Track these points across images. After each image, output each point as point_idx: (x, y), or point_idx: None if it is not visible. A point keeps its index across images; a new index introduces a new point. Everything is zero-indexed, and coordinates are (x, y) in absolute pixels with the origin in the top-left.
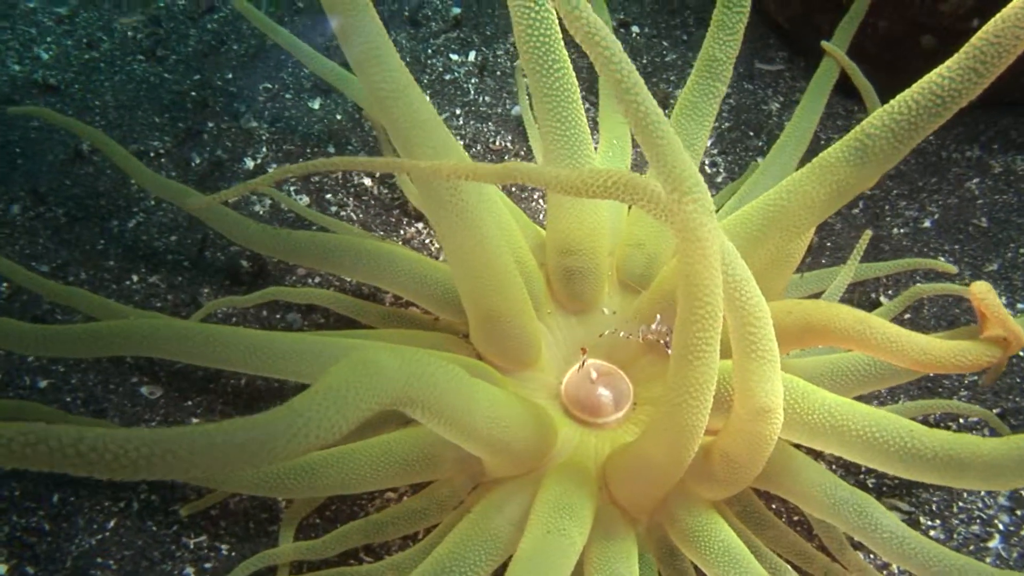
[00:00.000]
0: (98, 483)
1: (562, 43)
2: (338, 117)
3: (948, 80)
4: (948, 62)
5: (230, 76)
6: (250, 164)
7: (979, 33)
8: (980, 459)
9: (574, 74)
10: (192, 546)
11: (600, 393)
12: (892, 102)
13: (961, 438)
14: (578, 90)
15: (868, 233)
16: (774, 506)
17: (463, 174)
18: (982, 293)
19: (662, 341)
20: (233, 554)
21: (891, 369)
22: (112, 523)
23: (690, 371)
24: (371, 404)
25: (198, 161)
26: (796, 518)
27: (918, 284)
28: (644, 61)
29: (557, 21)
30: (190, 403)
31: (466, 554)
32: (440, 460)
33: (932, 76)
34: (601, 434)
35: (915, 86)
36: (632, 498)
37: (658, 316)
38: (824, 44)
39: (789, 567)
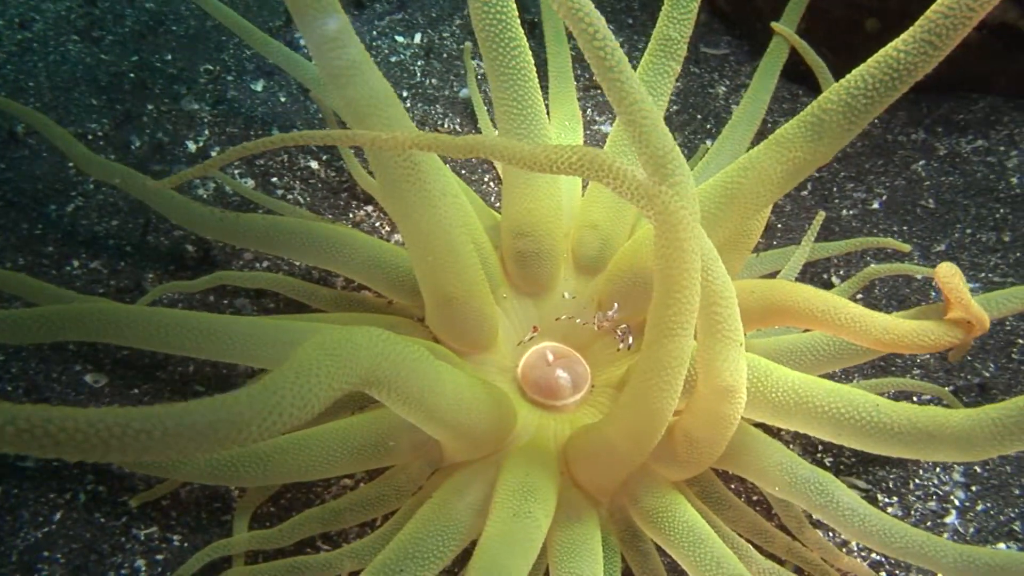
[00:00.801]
0: (42, 474)
1: (518, 21)
2: (282, 99)
3: (903, 54)
4: (903, 36)
5: (169, 57)
6: (192, 147)
7: (933, 7)
8: (950, 431)
9: (530, 52)
10: (143, 537)
11: (559, 375)
12: (847, 77)
13: (928, 410)
14: (534, 69)
15: (821, 214)
16: (733, 486)
17: (424, 145)
18: (947, 276)
19: (617, 330)
20: (185, 545)
21: (849, 349)
22: (58, 515)
23: (663, 355)
24: (341, 383)
25: (138, 144)
26: (755, 498)
27: (872, 265)
28: None
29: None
30: (136, 391)
31: (427, 540)
32: (396, 446)
33: (887, 51)
34: (559, 417)
35: (870, 61)
36: (594, 480)
37: (615, 304)
38: (775, 25)
39: (750, 546)
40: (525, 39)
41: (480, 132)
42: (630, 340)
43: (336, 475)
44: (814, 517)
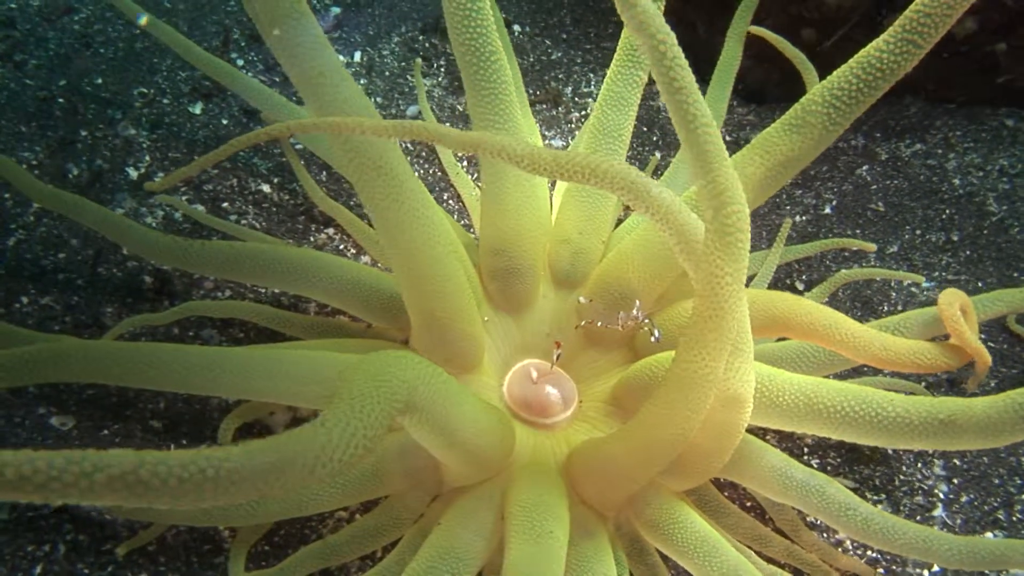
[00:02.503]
0: (16, 526)
1: (495, 32)
2: (224, 122)
3: (886, 54)
4: (884, 35)
5: (100, 81)
6: (134, 174)
7: (913, 6)
8: (975, 419)
9: (507, 64)
10: None
11: (549, 392)
12: (831, 77)
13: (946, 401)
14: (511, 80)
15: (788, 220)
16: (726, 493)
17: (427, 136)
18: (946, 304)
19: (646, 328)
20: None
21: (837, 357)
22: (38, 569)
23: (694, 374)
24: (389, 413)
25: (76, 172)
26: (748, 503)
27: (842, 271)
28: (532, 59)
29: (490, 9)
30: (106, 431)
31: (438, 570)
32: (388, 475)
33: (869, 50)
34: (553, 435)
35: (853, 61)
36: (602, 496)
37: (637, 302)
38: (756, 29)
39: (751, 552)
40: (503, 51)
41: (433, 149)
42: (657, 333)
43: (329, 509)
44: (808, 519)
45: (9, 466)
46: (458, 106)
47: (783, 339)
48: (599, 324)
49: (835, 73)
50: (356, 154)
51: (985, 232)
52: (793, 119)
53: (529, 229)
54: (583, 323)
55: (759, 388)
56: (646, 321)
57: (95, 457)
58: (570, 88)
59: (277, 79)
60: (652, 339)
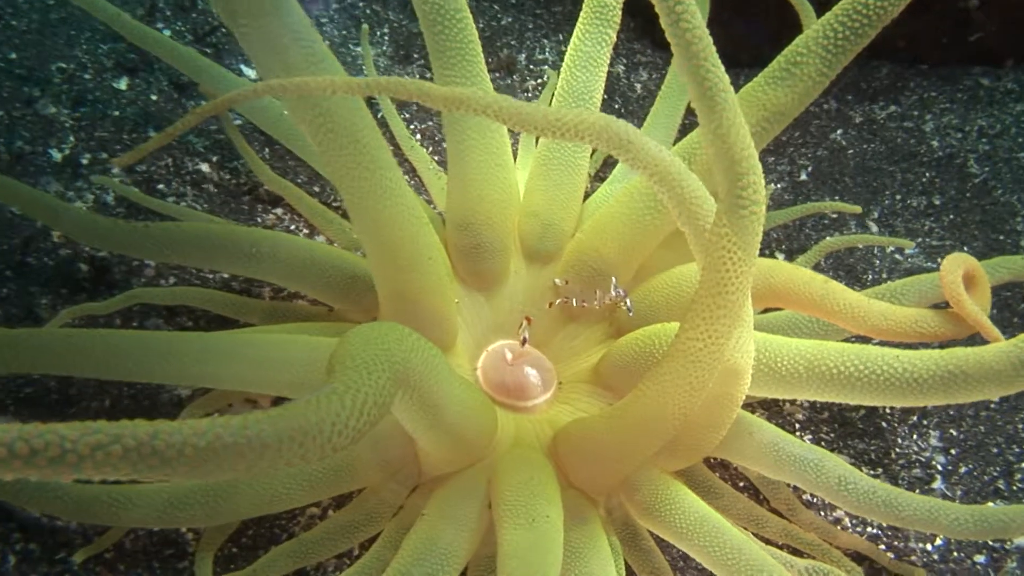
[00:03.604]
0: None
1: None
2: (153, 97)
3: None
4: None
5: (14, 56)
6: (57, 155)
7: None
8: (986, 368)
9: (473, 24)
10: None
11: (527, 372)
12: (816, 25)
13: (956, 352)
14: (478, 42)
15: (770, 187)
16: (717, 473)
17: (405, 92)
18: (947, 271)
19: (623, 305)
20: None
21: (828, 328)
22: None
23: (698, 352)
24: (395, 379)
25: None
26: (741, 484)
27: (827, 239)
28: (481, 25)
29: None
30: None
31: (424, 566)
32: (360, 466)
33: None
34: (534, 418)
35: (838, 8)
36: (593, 480)
37: (613, 279)
38: None
39: (748, 534)
40: (469, 13)
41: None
42: (629, 303)
43: (298, 505)
44: (804, 496)
45: (19, 440)
46: (405, 76)
47: (770, 309)
48: (575, 303)
49: (820, 21)
50: (325, 119)
51: (968, 195)
52: (777, 71)
53: (497, 203)
54: (557, 302)
55: (755, 355)
56: (625, 299)
57: (109, 428)
58: (524, 55)
59: (208, 50)
60: (629, 314)
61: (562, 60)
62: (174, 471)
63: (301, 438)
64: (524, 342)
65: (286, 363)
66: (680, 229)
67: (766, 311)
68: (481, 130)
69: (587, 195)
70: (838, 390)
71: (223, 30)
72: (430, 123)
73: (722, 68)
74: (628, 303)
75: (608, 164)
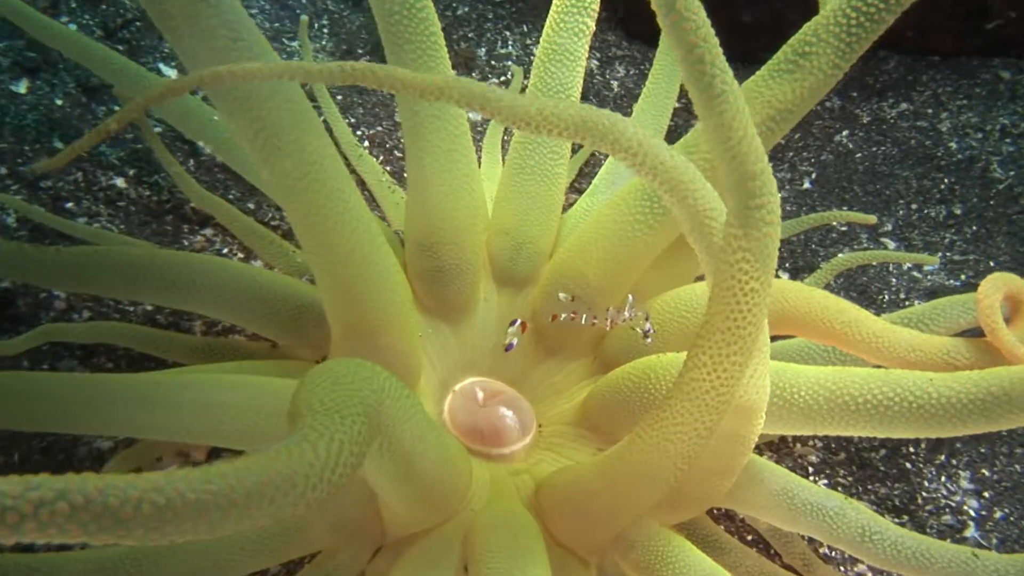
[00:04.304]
0: None
1: None
2: (58, 102)
3: None
4: None
5: None
6: None
7: None
8: None
9: (435, 14)
10: None
11: (503, 415)
12: (826, 11)
13: (995, 374)
14: (441, 35)
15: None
16: (721, 525)
17: (372, 80)
18: (984, 294)
19: (638, 328)
20: None
21: (845, 359)
22: None
23: (706, 394)
24: (369, 425)
25: None
26: (749, 537)
27: (839, 255)
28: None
29: None
30: None
31: None
32: (308, 529)
33: None
34: (512, 467)
35: None
36: (583, 537)
37: (630, 297)
38: None
39: None
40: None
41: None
42: (648, 326)
43: (244, 574)
44: (821, 549)
45: None
46: None
47: (777, 337)
48: (583, 321)
49: (830, 7)
50: (264, 123)
51: (992, 203)
52: (783, 62)
53: (463, 219)
54: (563, 317)
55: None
56: (645, 316)
57: (52, 482)
58: (483, 49)
59: (121, 47)
60: (645, 341)
61: (526, 54)
62: (129, 532)
63: (272, 493)
64: (509, 348)
65: (232, 408)
66: (674, 249)
67: (772, 339)
68: (444, 135)
69: (564, 209)
70: (864, 422)
71: (138, 24)
72: (379, 128)
73: (730, 72)
74: (648, 327)
75: (584, 175)
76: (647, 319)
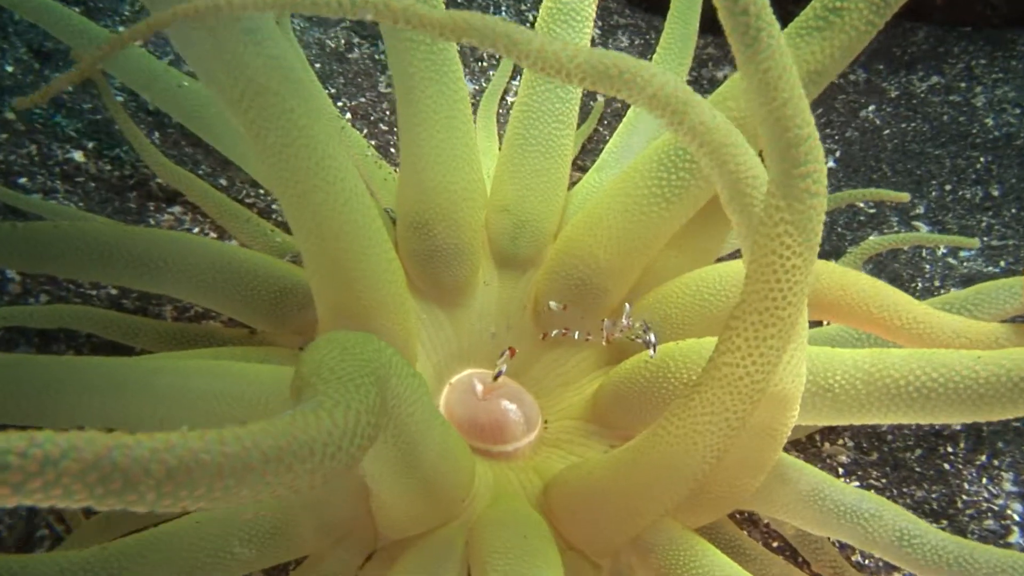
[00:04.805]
0: None
1: None
2: (8, 68)
3: None
4: None
5: None
6: None
7: None
8: None
9: None
10: None
11: (507, 409)
12: None
13: None
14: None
15: None
16: (745, 530)
17: (383, 14)
18: None
19: (640, 340)
20: None
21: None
22: None
23: (739, 381)
24: (382, 395)
25: None
26: (775, 544)
27: (871, 238)
28: None
29: None
30: None
31: None
32: (295, 530)
33: None
34: (517, 465)
35: None
36: (596, 539)
37: (627, 305)
38: None
39: None
40: None
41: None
42: (652, 339)
43: None
44: (854, 557)
45: None
46: (328, 41)
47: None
48: (576, 336)
49: None
50: (250, 84)
51: None
52: (813, 19)
53: (460, 195)
54: (553, 334)
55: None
56: (644, 327)
57: (56, 438)
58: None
59: (77, 8)
60: (651, 354)
61: (519, 18)
62: (139, 495)
63: (289, 459)
64: (498, 376)
65: (214, 397)
66: (693, 226)
67: None
68: (441, 100)
69: (569, 186)
70: (907, 409)
71: None
72: (362, 100)
73: (777, 25)
74: (651, 337)
75: (587, 151)
76: (648, 330)
